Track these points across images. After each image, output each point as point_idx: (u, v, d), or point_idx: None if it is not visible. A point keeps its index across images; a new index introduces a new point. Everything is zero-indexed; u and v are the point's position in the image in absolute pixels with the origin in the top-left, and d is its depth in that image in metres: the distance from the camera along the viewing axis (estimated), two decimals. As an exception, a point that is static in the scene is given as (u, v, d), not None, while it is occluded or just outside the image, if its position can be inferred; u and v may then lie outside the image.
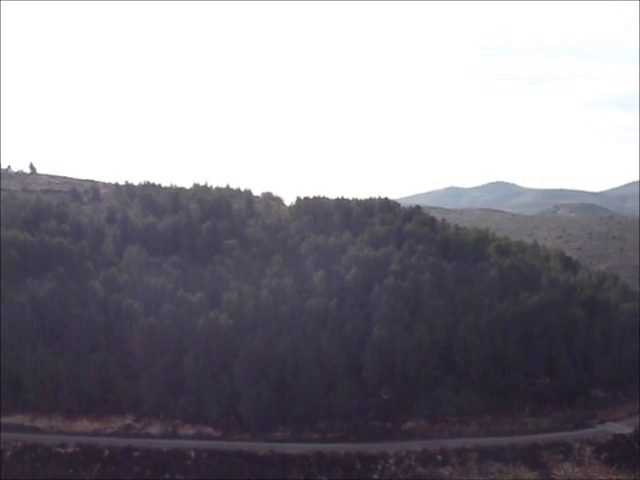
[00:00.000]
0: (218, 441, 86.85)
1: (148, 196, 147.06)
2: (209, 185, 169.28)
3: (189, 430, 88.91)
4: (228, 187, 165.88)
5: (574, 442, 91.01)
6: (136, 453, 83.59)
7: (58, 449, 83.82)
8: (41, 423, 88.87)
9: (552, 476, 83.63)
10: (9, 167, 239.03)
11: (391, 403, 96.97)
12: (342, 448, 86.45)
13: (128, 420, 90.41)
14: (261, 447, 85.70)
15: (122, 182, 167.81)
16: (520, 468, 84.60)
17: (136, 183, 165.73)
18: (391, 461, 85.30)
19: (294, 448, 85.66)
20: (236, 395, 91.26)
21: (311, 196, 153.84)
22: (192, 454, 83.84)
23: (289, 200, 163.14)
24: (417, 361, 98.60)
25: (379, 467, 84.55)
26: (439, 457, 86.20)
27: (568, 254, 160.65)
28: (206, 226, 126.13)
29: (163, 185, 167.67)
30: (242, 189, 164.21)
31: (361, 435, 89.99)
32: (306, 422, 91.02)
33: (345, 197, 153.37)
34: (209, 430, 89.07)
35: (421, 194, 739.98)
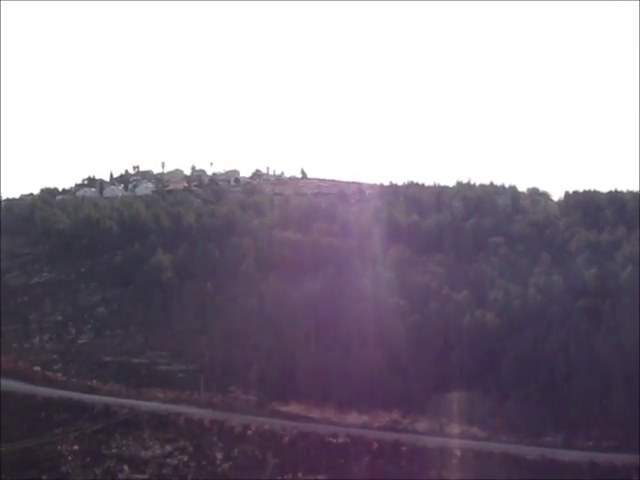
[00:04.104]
0: (484, 442, 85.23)
1: (412, 195, 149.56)
2: (472, 182, 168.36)
3: (455, 429, 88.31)
4: (492, 184, 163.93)
5: None
6: (403, 448, 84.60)
7: (330, 439, 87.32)
8: (314, 413, 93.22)
9: None
10: (282, 173, 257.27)
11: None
12: (618, 459, 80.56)
13: (395, 415, 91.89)
14: (529, 451, 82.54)
15: (387, 183, 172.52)
16: None
17: (400, 183, 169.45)
18: (677, 477, 78.05)
19: (565, 455, 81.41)
20: (503, 396, 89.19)
21: (581, 190, 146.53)
22: (458, 453, 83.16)
23: (557, 195, 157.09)
24: None
25: (662, 483, 77.80)
26: None
27: None
28: (470, 224, 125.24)
29: (426, 184, 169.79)
30: (506, 185, 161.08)
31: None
32: (578, 428, 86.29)
33: (618, 189, 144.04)
34: (475, 430, 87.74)
35: None
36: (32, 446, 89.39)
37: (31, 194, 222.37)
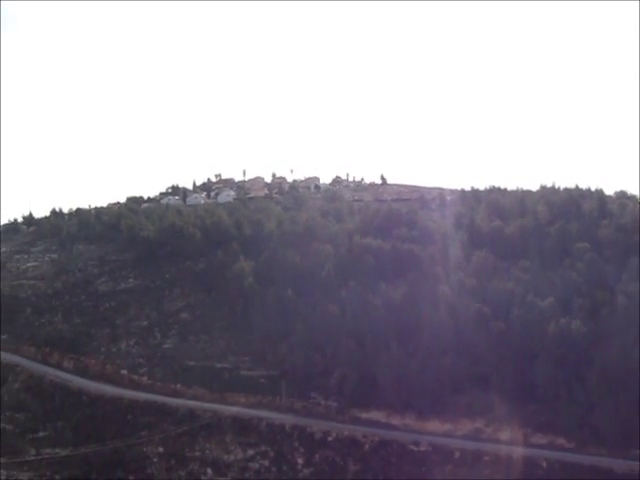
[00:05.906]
0: (571, 453, 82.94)
1: (494, 200, 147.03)
2: (557, 186, 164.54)
3: (540, 439, 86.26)
4: (577, 187, 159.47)
5: None
6: (486, 457, 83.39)
7: (411, 447, 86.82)
8: (395, 420, 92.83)
9: None
10: (362, 179, 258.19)
11: None
12: None
13: (478, 424, 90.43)
14: (619, 464, 79.84)
15: (468, 188, 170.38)
16: None
17: (482, 188, 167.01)
18: None
19: (656, 469, 78.49)
20: (591, 406, 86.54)
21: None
22: (543, 464, 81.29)
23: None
24: None
25: None
26: None
27: None
28: (555, 229, 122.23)
29: (509, 189, 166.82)
30: (593, 189, 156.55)
31: None
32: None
33: None
34: (561, 441, 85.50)
35: None
36: (120, 447, 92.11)
37: (118, 202, 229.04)
